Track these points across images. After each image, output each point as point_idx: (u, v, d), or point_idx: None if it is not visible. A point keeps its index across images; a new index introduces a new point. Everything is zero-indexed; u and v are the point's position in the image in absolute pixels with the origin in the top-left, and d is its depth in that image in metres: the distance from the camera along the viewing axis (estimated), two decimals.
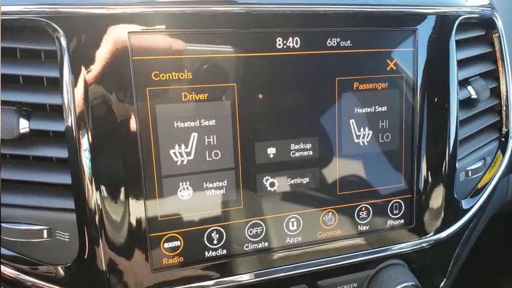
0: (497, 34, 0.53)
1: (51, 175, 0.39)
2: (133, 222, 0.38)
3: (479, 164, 0.53)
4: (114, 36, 0.36)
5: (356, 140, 0.45)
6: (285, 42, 0.40)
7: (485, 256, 0.83)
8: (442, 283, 0.55)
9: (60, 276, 0.39)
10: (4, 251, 0.39)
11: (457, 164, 0.50)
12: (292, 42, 0.41)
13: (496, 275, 0.87)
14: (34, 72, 0.37)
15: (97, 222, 0.38)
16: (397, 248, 0.48)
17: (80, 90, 0.36)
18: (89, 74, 0.36)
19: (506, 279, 0.85)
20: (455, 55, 0.48)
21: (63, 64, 0.36)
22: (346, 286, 0.46)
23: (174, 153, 0.39)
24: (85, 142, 0.37)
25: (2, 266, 0.39)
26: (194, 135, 0.40)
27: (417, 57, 0.45)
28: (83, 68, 0.36)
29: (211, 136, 0.40)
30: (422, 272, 0.49)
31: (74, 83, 0.36)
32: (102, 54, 0.36)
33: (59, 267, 0.39)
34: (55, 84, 0.37)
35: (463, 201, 0.52)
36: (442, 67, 0.47)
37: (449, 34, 0.47)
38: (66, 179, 0.38)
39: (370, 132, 0.45)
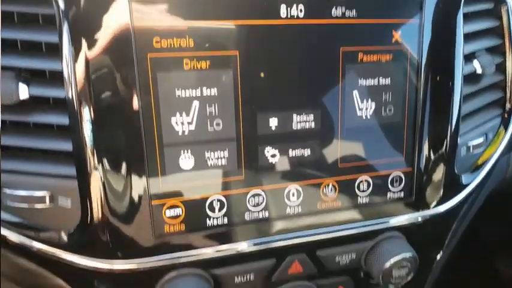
0: (506, 8, 0.52)
1: (52, 142, 0.39)
2: (135, 190, 0.39)
3: (481, 140, 0.53)
4: (115, 1, 0.35)
5: (359, 113, 0.45)
6: (289, 9, 0.39)
7: (483, 231, 0.84)
8: (439, 256, 0.56)
9: (63, 242, 0.40)
10: (8, 217, 0.40)
11: (458, 139, 0.50)
12: (297, 10, 0.40)
13: (493, 249, 0.88)
14: (32, 36, 0.37)
15: (98, 190, 0.38)
16: (396, 221, 0.49)
17: (79, 56, 0.35)
18: (88, 40, 0.35)
19: (503, 253, 0.87)
20: (462, 28, 0.47)
21: (62, 28, 0.35)
22: (344, 256, 0.47)
23: (176, 122, 0.39)
24: (86, 109, 0.36)
25: (7, 231, 0.40)
26: (195, 104, 0.39)
27: (423, 30, 0.44)
28: (82, 33, 0.35)
29: (213, 105, 0.40)
30: (419, 244, 0.49)
31: (74, 49, 0.35)
32: (102, 19, 0.35)
33: (62, 233, 0.39)
34: (54, 50, 0.36)
35: (463, 176, 0.52)
36: (448, 40, 0.46)
37: (457, 6, 0.46)
38: (67, 146, 0.38)
39: (373, 104, 0.45)
